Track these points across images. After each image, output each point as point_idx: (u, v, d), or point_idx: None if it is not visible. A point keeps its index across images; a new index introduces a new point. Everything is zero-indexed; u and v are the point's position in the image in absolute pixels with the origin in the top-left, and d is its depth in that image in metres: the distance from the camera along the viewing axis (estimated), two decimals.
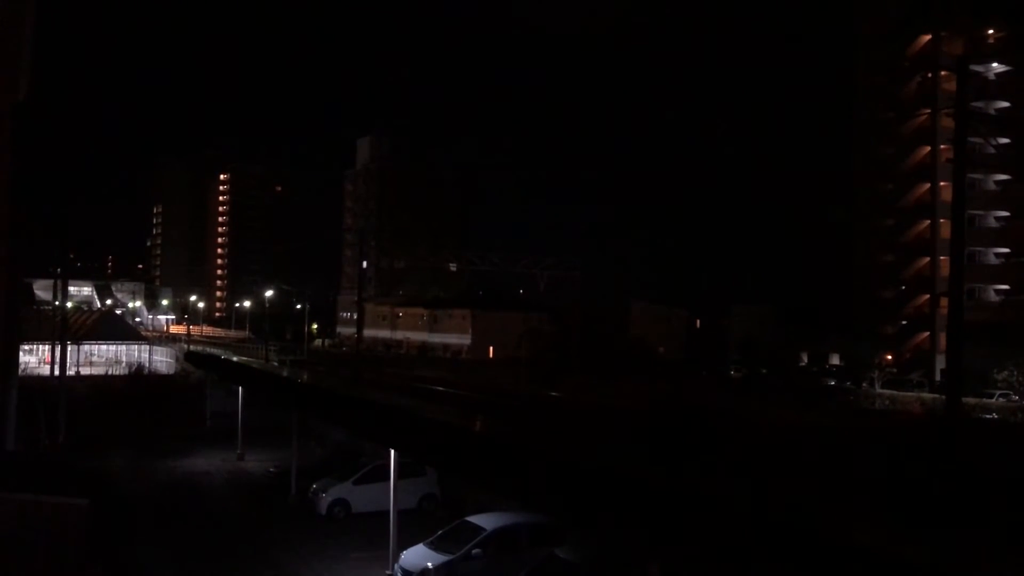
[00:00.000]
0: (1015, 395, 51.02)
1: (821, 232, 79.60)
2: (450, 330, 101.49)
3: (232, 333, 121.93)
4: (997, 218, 72.89)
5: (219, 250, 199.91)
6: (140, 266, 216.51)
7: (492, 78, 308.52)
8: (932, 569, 8.18)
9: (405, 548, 20.85)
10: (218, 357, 55.97)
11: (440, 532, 21.41)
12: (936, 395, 50.36)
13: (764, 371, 72.84)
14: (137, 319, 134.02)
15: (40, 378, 46.59)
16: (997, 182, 72.73)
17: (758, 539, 9.75)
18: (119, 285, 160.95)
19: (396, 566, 20.43)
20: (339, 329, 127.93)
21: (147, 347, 74.22)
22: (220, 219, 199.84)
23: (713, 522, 10.37)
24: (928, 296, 73.05)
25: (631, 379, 48.38)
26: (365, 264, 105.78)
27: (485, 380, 48.66)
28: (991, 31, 71.59)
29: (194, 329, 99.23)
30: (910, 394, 54.60)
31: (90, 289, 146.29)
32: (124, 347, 74.00)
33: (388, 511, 20.98)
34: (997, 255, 72.76)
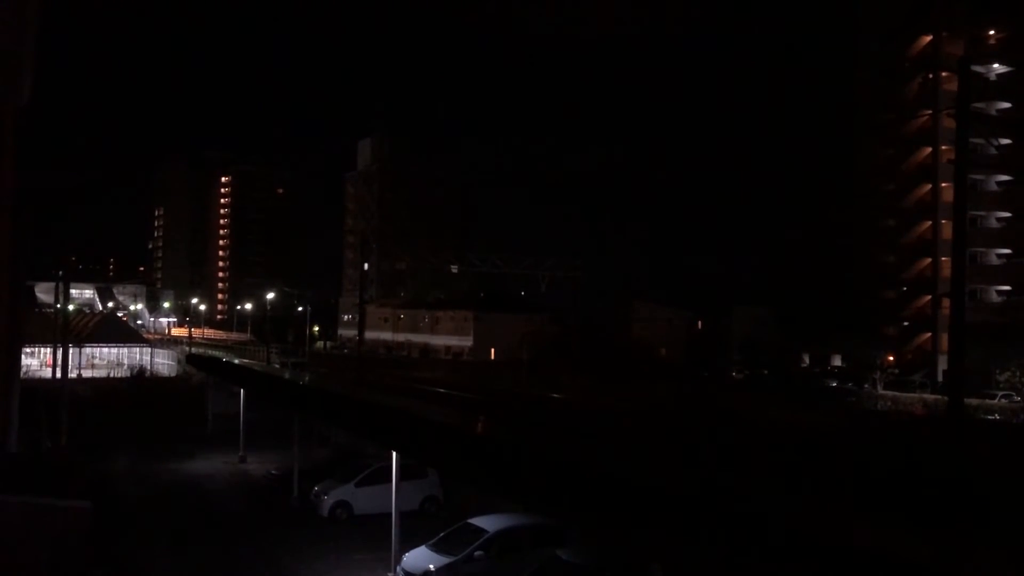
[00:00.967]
0: (1017, 396, 51.03)
1: (823, 233, 79.42)
2: (452, 332, 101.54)
3: (233, 335, 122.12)
4: (999, 219, 72.84)
5: (220, 252, 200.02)
6: (141, 268, 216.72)
7: (493, 79, 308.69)
8: (932, 569, 8.18)
9: (407, 550, 20.85)
10: (219, 359, 56.02)
11: (442, 534, 21.41)
12: (938, 396, 50.36)
13: (765, 372, 72.86)
14: (139, 321, 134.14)
15: (42, 380, 46.72)
16: (999, 183, 72.69)
17: (759, 539, 9.75)
18: (120, 287, 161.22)
19: (398, 568, 20.43)
20: (340, 331, 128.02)
21: (148, 349, 74.31)
22: (221, 221, 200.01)
23: (713, 522, 10.37)
24: (930, 297, 73.01)
25: (632, 381, 48.40)
26: (367, 266, 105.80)
27: (487, 382, 48.69)
28: (992, 32, 71.59)
29: (195, 331, 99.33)
30: (912, 395, 54.59)
31: (91, 292, 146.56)
32: (126, 349, 74.10)
33: (390, 513, 20.98)
34: (999, 256, 72.70)
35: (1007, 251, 71.97)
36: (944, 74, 70.26)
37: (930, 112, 69.17)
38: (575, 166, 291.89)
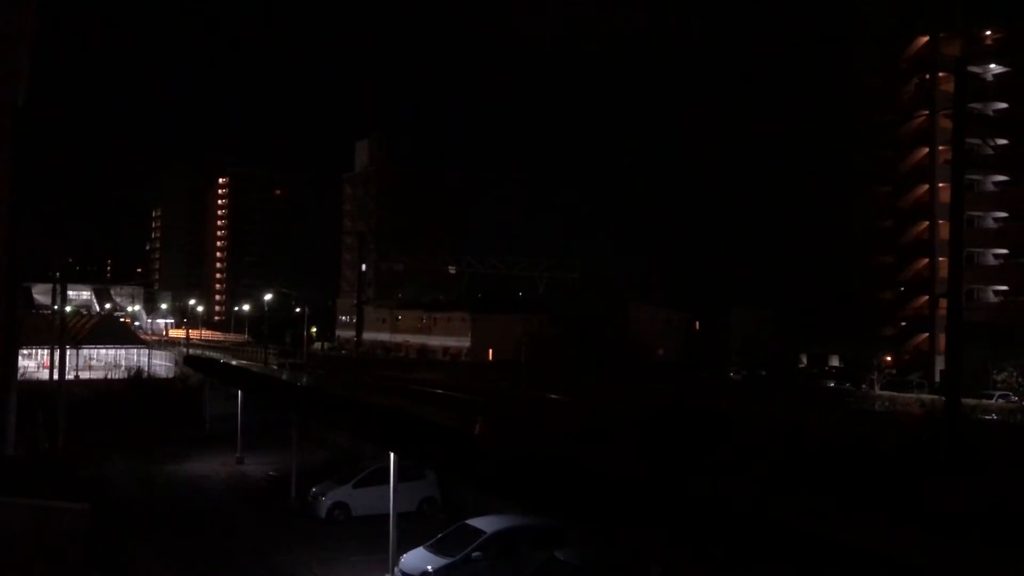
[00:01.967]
0: (1014, 396, 51.09)
1: (820, 234, 79.50)
2: (449, 333, 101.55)
3: (231, 337, 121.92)
4: (996, 219, 72.96)
5: (218, 253, 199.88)
6: (139, 270, 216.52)
7: (491, 80, 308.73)
8: (932, 569, 8.18)
9: (405, 551, 20.83)
10: (217, 361, 55.96)
11: (440, 535, 21.40)
12: (936, 396, 50.39)
13: (763, 373, 72.92)
14: (136, 323, 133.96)
15: (39, 382, 46.56)
16: (996, 183, 72.81)
17: (758, 539, 9.75)
18: (118, 289, 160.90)
19: (396, 569, 20.42)
20: (338, 332, 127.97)
21: (146, 351, 74.22)
22: (219, 223, 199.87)
23: (713, 522, 10.37)
24: (927, 297, 73.09)
25: (630, 381, 48.40)
26: (364, 267, 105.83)
27: (484, 383, 48.65)
28: (989, 32, 71.71)
29: (193, 333, 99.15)
30: (910, 395, 54.62)
31: (89, 293, 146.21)
32: (123, 351, 74.01)
33: (388, 514, 20.96)
34: (996, 256, 72.82)
35: (1004, 251, 72.09)
36: (941, 75, 70.36)
37: (927, 113, 69.30)
38: (573, 167, 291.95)
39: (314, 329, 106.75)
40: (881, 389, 59.39)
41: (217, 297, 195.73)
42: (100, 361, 73.12)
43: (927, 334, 72.85)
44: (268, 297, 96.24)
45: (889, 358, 70.90)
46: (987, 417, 41.70)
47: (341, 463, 31.13)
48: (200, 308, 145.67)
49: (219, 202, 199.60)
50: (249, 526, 26.58)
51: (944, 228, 70.22)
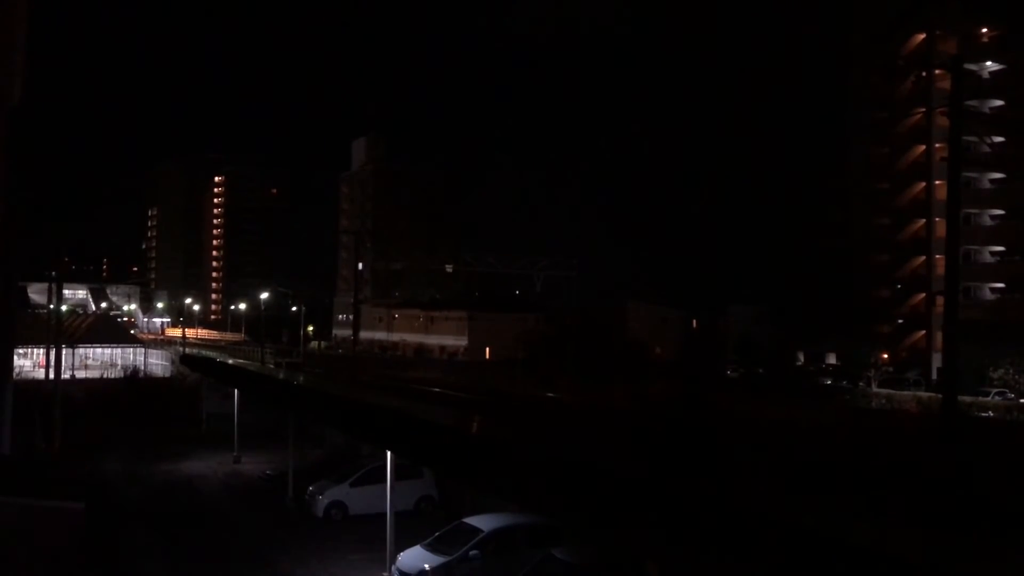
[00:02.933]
0: (1011, 393, 51.19)
1: (817, 232, 79.58)
2: (446, 332, 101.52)
3: (228, 336, 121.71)
4: (992, 216, 73.03)
5: (214, 252, 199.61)
6: (135, 269, 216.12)
7: (488, 79, 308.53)
8: (931, 569, 8.17)
9: (402, 550, 20.82)
10: (213, 360, 55.85)
11: (437, 533, 21.38)
12: (932, 394, 50.47)
13: (761, 371, 73.01)
14: (132, 320, 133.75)
15: (35, 382, 46.47)
16: (992, 180, 72.88)
17: (756, 538, 9.74)
18: (114, 288, 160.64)
19: (393, 568, 20.41)
20: (335, 331, 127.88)
21: (142, 350, 74.07)
22: (215, 221, 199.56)
23: (711, 522, 10.35)
24: (924, 295, 73.17)
25: (627, 380, 48.39)
26: (361, 266, 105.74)
27: (481, 381, 48.64)
28: (985, 30, 71.77)
29: (189, 332, 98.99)
30: (906, 393, 54.73)
31: (85, 292, 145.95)
32: (119, 350, 73.85)
33: (385, 513, 20.95)
34: (992, 253, 72.91)
35: (1001, 249, 72.18)
36: (937, 72, 70.35)
37: (924, 110, 69.29)
38: (570, 165, 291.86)
39: (311, 328, 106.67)
40: (878, 387, 59.50)
41: (214, 296, 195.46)
42: (96, 360, 72.92)
43: (924, 332, 72.94)
44: (265, 296, 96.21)
45: (886, 356, 71.00)
46: (984, 414, 41.80)
47: (338, 462, 31.08)
48: (196, 307, 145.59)
49: (215, 201, 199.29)
50: (246, 525, 26.54)
51: (941, 226, 70.31)
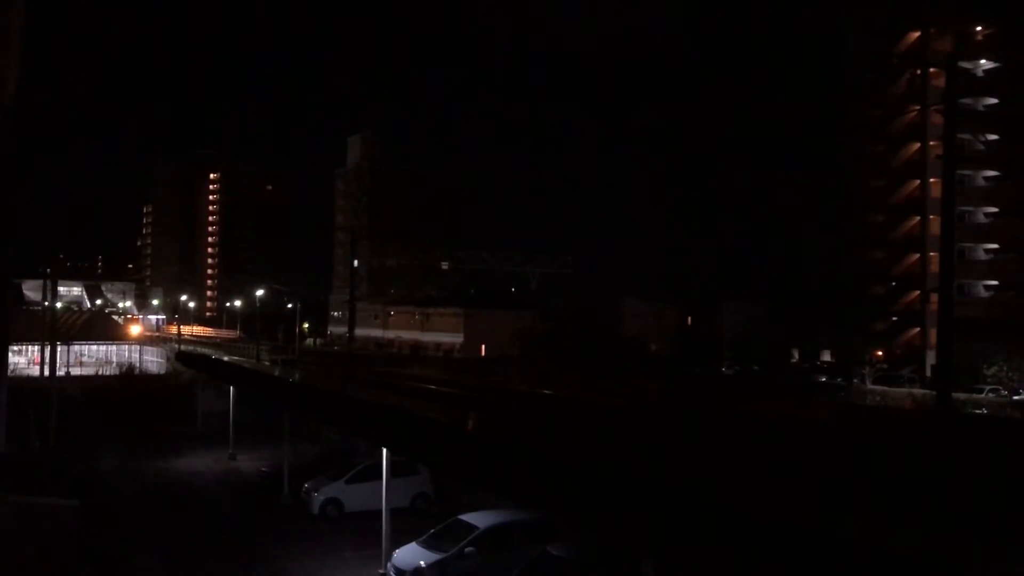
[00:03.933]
0: (1004, 390, 51.32)
1: (812, 229, 79.93)
2: (442, 329, 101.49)
3: (223, 333, 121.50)
4: (986, 214, 73.17)
5: (210, 249, 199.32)
6: (130, 266, 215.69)
7: (485, 76, 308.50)
8: (931, 568, 8.20)
9: (398, 546, 20.83)
10: (209, 357, 55.79)
11: (433, 530, 21.39)
12: (927, 391, 50.60)
13: (755, 368, 73.16)
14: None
15: (30, 379, 46.45)
16: (986, 178, 73.03)
17: (754, 536, 9.77)
18: (109, 285, 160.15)
19: (389, 565, 20.42)
20: (331, 328, 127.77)
21: (137, 347, 73.93)
22: (211, 218, 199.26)
23: (708, 520, 10.39)
24: (919, 292, 73.34)
25: (621, 376, 48.46)
26: (356, 263, 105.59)
27: (477, 378, 48.61)
28: (979, 28, 71.88)
29: (185, 329, 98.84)
30: (901, 390, 54.85)
31: (80, 289, 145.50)
32: (114, 347, 73.70)
33: (381, 510, 20.96)
34: (986, 251, 73.05)
35: (994, 246, 72.33)
36: (932, 70, 70.48)
37: (918, 108, 69.35)
38: (567, 163, 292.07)
39: (306, 325, 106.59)
40: (873, 384, 59.63)
41: (209, 293, 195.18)
42: (91, 357, 72.74)
43: (918, 329, 73.12)
44: (260, 293, 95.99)
45: (881, 353, 71.14)
46: (977, 411, 41.94)
47: (334, 459, 31.07)
48: (192, 304, 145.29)
49: (211, 198, 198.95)
50: (242, 522, 26.52)
51: (935, 223, 70.48)
